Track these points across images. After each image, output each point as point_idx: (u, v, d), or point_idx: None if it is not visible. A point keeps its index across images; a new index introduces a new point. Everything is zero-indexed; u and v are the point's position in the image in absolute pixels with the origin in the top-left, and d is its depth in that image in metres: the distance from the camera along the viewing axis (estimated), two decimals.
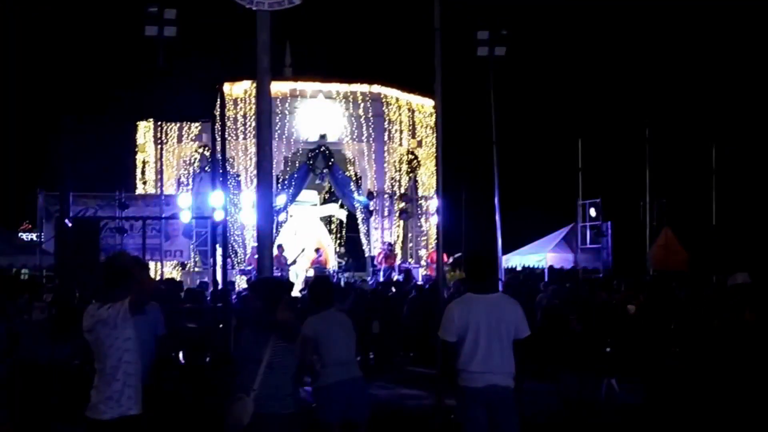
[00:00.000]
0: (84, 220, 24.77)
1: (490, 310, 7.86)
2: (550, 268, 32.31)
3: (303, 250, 29.77)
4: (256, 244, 28.84)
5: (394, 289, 22.79)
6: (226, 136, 30.11)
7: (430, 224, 33.31)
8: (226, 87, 29.72)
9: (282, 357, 7.22)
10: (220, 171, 23.07)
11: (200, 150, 30.80)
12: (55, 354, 8.34)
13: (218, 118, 18.60)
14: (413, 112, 33.25)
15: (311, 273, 29.01)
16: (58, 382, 8.09)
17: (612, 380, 13.41)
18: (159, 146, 31.04)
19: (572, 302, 15.87)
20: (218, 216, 20.18)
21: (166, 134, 31.56)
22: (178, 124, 31.21)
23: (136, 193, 31.95)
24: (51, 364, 8.31)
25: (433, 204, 32.66)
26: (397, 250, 32.23)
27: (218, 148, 18.29)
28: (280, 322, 7.09)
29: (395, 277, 28.60)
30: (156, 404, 7.89)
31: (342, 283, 26.34)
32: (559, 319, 15.24)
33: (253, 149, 30.68)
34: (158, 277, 27.22)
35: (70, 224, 20.47)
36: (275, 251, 29.16)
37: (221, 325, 12.12)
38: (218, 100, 17.57)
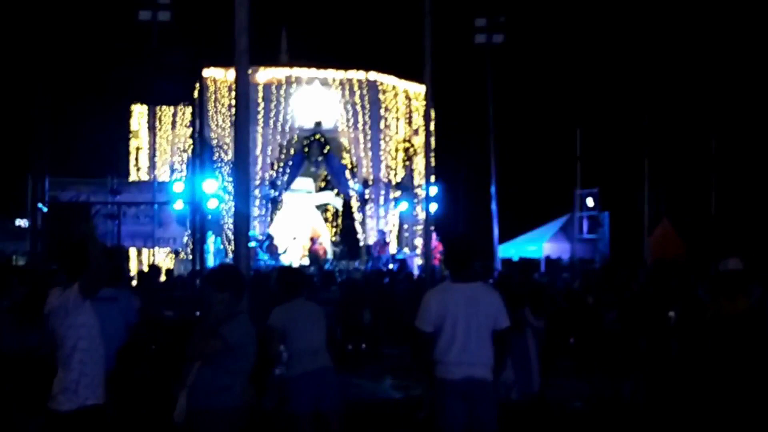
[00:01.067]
0: (74, 206, 24.48)
1: (469, 299, 7.54)
2: (547, 258, 32.08)
3: (294, 239, 29.55)
4: (252, 232, 29.12)
5: (387, 279, 22.55)
6: (221, 122, 30.04)
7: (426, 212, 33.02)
8: (221, 72, 29.49)
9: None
10: (213, 157, 22.90)
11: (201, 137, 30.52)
12: (25, 342, 8.04)
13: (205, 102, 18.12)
14: (410, 99, 32.91)
15: (306, 261, 28.83)
16: (25, 372, 7.79)
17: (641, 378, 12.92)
18: (152, 132, 30.78)
19: (606, 291, 15.30)
20: (212, 204, 19.90)
21: (160, 120, 31.30)
22: (172, 110, 30.95)
23: (129, 180, 31.69)
24: (18, 353, 8.02)
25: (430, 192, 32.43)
26: (393, 238, 31.98)
27: (217, 133, 17.95)
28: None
29: (390, 266, 28.37)
30: (121, 392, 7.64)
31: (336, 272, 26.09)
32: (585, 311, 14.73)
33: (248, 136, 30.41)
34: (149, 264, 27.01)
35: (45, 209, 20.20)
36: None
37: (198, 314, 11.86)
38: (198, 84, 17.18)
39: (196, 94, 25.82)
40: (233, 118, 30.02)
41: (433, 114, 33.68)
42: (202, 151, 19.46)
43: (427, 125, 11.89)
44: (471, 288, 7.65)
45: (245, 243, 10.82)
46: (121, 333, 8.50)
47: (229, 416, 6.64)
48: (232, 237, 30.27)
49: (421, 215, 33.36)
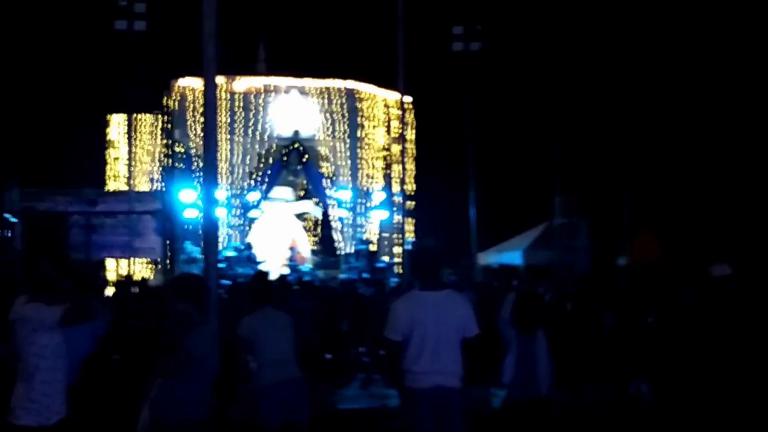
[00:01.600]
0: (50, 215, 24.36)
1: (438, 307, 7.46)
2: (528, 265, 32.01)
3: (273, 248, 29.57)
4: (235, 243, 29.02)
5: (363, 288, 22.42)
6: (199, 132, 29.92)
7: (407, 221, 33.02)
8: (198, 82, 29.39)
9: None
10: (192, 167, 22.81)
11: (176, 147, 30.41)
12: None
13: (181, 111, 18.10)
14: (388, 108, 32.91)
15: (285, 271, 28.73)
16: None
17: (642, 385, 12.76)
18: (129, 142, 30.66)
19: (605, 295, 15.15)
20: (190, 214, 19.83)
21: (137, 130, 31.19)
22: (150, 120, 30.87)
23: (106, 190, 31.54)
24: None
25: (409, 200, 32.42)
26: (373, 248, 31.92)
27: (195, 143, 17.89)
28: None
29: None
30: (84, 404, 7.53)
31: (317, 281, 26.01)
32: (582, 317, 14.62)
33: (227, 145, 30.41)
34: (124, 275, 26.89)
35: (13, 219, 20.08)
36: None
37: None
38: (173, 93, 17.17)
39: (171, 102, 25.76)
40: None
41: (413, 121, 34.09)
42: (173, 160, 19.39)
43: (402, 131, 11.75)
44: (440, 296, 7.56)
45: (214, 251, 10.74)
46: (88, 344, 8.41)
47: (193, 428, 6.56)
48: None
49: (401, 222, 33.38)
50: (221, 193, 29.87)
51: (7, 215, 20.70)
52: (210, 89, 10.34)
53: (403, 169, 14.94)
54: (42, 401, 6.34)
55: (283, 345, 8.60)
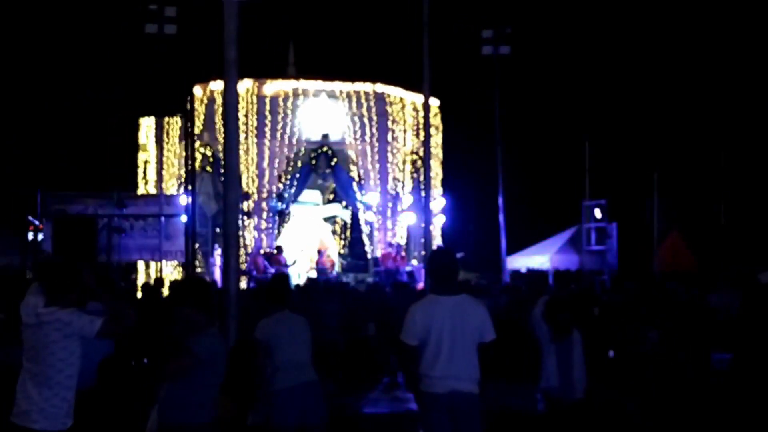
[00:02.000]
0: (80, 219, 24.52)
1: (454, 312, 7.45)
2: (555, 270, 31.92)
3: (302, 251, 29.56)
4: (260, 245, 29.10)
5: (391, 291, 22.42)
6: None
7: (434, 225, 32.98)
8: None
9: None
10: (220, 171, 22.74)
11: (201, 149, 30.47)
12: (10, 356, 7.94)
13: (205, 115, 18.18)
14: (417, 111, 32.81)
15: (313, 274, 28.77)
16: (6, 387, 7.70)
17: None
18: (159, 145, 30.86)
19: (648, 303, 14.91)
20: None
21: (168, 134, 31.34)
22: (179, 123, 30.97)
23: (138, 193, 31.72)
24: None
25: (437, 204, 32.39)
26: (402, 251, 31.87)
27: (225, 147, 17.92)
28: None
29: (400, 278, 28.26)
30: (99, 407, 7.58)
31: (348, 284, 25.99)
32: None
33: (255, 149, 30.49)
34: (156, 278, 27.01)
35: (37, 222, 20.19)
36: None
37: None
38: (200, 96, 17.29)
39: (199, 106, 25.84)
40: (241, 129, 30.25)
41: (441, 125, 34.05)
42: (193, 163, 19.49)
43: (426, 134, 11.72)
44: (456, 301, 7.56)
45: (235, 255, 10.72)
46: (106, 348, 8.45)
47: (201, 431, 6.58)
48: (239, 248, 30.30)
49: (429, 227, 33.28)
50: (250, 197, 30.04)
51: (30, 218, 20.82)
52: (231, 92, 10.37)
53: (426, 171, 14.87)
54: (62, 406, 6.41)
55: (299, 348, 8.61)
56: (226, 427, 6.81)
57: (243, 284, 26.85)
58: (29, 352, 6.41)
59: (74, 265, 6.64)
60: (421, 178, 33.16)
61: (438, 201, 32.42)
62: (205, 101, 30.18)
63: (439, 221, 32.55)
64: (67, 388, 6.44)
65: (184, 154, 31.21)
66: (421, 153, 33.04)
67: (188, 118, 19.67)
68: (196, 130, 30.78)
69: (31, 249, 26.84)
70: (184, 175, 31.40)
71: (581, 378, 9.54)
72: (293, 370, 8.43)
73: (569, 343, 9.52)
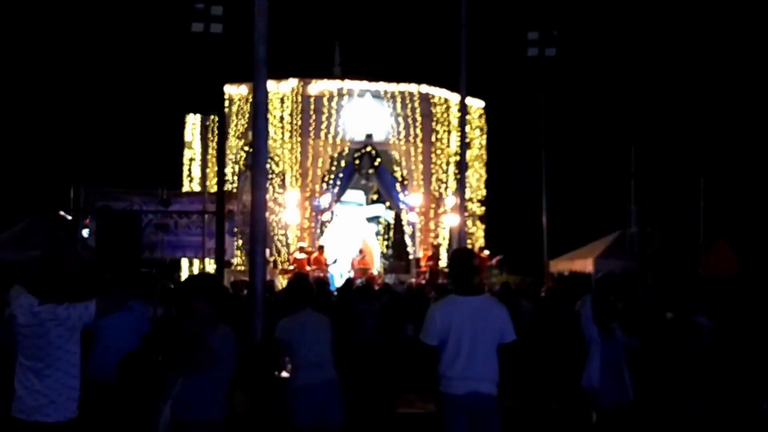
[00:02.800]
0: (123, 215, 24.69)
1: (475, 312, 7.42)
2: (599, 273, 31.67)
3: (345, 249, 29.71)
4: (302, 244, 29.19)
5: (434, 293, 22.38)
6: (273, 133, 30.15)
7: (477, 226, 32.91)
8: (272, 85, 29.59)
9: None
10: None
11: (246, 147, 30.60)
12: None
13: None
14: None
15: (352, 274, 28.80)
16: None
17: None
18: (204, 143, 31.07)
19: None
20: None
21: (212, 131, 31.52)
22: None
23: (182, 191, 31.91)
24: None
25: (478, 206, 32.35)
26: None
27: (254, 146, 18.02)
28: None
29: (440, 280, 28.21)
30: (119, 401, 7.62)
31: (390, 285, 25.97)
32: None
33: (299, 148, 30.59)
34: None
35: (69, 217, 20.37)
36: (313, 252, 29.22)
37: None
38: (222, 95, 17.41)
39: (244, 104, 25.92)
40: (283, 129, 30.37)
41: (485, 126, 33.96)
42: (223, 161, 19.56)
43: (462, 135, 11.72)
44: (476, 301, 7.53)
45: (261, 252, 10.70)
46: (132, 342, 8.55)
47: (215, 428, 6.58)
48: (281, 248, 30.43)
49: (471, 229, 33.20)
50: (293, 196, 30.12)
51: (62, 212, 20.99)
52: (260, 91, 10.40)
53: (462, 172, 14.88)
54: (72, 395, 6.56)
55: (319, 347, 8.62)
56: (240, 423, 6.82)
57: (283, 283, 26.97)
58: (31, 350, 6.49)
59: (53, 258, 6.74)
60: (466, 179, 33.18)
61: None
62: (251, 99, 30.34)
63: (481, 223, 32.48)
64: (74, 377, 6.58)
65: (228, 151, 31.44)
66: (465, 154, 32.99)
67: (221, 117, 19.70)
68: (241, 128, 31.02)
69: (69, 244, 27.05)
70: (228, 172, 31.59)
71: (628, 379, 9.33)
72: (311, 369, 8.44)
73: (614, 342, 9.34)
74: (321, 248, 29.15)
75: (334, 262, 28.78)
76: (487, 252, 30.17)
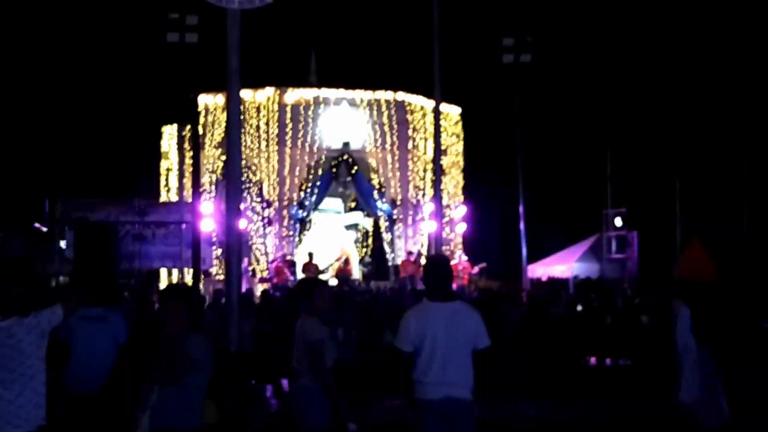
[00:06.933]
0: (99, 226, 24.69)
1: (449, 318, 7.42)
2: (575, 278, 31.84)
3: (338, 259, 29.76)
4: (279, 253, 29.19)
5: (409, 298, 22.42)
6: (249, 143, 30.16)
7: (455, 233, 32.97)
8: (249, 94, 29.62)
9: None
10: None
11: (223, 157, 30.56)
12: None
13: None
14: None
15: (334, 282, 28.82)
16: None
17: None
18: (180, 153, 31.04)
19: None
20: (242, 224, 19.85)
21: (189, 141, 31.47)
22: (201, 131, 31.12)
23: (160, 201, 31.87)
24: None
25: (458, 212, 32.40)
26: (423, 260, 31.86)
27: (245, 153, 18.05)
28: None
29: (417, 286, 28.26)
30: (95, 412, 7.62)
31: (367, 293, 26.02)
32: None
33: (276, 157, 30.60)
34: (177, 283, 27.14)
35: (45, 229, 20.31)
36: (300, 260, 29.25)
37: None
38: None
39: (220, 114, 25.92)
40: (260, 138, 30.34)
41: (462, 133, 34.06)
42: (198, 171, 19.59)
43: (437, 143, 11.81)
44: (450, 307, 7.53)
45: (237, 261, 10.76)
46: (108, 353, 8.53)
47: None
48: (259, 257, 30.43)
49: (450, 235, 33.27)
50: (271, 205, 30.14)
51: (37, 225, 20.97)
52: (233, 101, 10.44)
53: (437, 179, 14.92)
54: (40, 402, 6.54)
55: (299, 353, 8.62)
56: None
57: (259, 291, 26.99)
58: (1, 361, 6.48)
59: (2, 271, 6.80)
60: (442, 186, 33.26)
61: (459, 209, 32.45)
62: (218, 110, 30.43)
63: (460, 229, 32.55)
64: (42, 384, 6.58)
65: (204, 161, 31.42)
66: (442, 161, 33.07)
67: (195, 127, 19.74)
68: (218, 138, 30.98)
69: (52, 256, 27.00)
70: (206, 182, 31.57)
71: (723, 395, 9.04)
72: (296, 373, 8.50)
73: (706, 356, 9.02)
74: (310, 256, 28.99)
75: (326, 270, 28.85)
76: (466, 258, 30.24)
